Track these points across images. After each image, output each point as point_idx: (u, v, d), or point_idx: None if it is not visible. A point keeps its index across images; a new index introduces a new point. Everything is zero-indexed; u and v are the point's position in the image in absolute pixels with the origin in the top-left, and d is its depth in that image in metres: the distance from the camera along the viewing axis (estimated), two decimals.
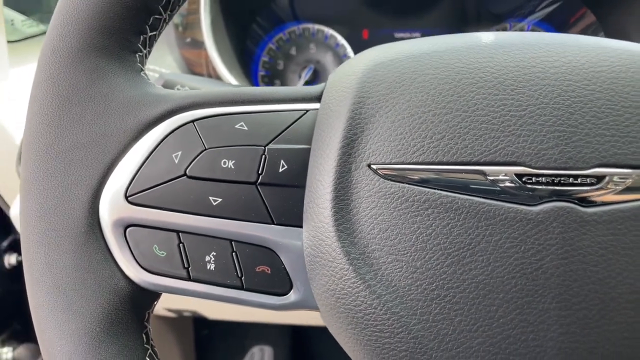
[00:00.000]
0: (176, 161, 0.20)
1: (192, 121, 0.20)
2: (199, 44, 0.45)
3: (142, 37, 0.21)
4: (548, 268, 0.17)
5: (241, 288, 0.20)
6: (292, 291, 0.20)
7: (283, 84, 0.57)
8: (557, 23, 0.53)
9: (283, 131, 0.20)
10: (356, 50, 0.55)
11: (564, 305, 0.17)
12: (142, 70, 0.21)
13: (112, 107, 0.20)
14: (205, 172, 0.20)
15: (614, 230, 0.17)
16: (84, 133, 0.19)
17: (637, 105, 0.18)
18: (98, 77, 0.20)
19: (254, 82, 0.56)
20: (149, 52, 0.22)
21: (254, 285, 0.20)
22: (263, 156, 0.20)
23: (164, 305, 0.66)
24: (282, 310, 0.21)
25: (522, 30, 0.54)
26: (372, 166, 0.18)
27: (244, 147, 0.20)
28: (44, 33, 0.69)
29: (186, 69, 0.46)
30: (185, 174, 0.20)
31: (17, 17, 0.73)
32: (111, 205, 0.19)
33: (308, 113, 0.21)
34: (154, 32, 0.21)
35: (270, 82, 0.57)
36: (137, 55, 0.21)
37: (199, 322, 0.94)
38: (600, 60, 0.18)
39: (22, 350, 0.76)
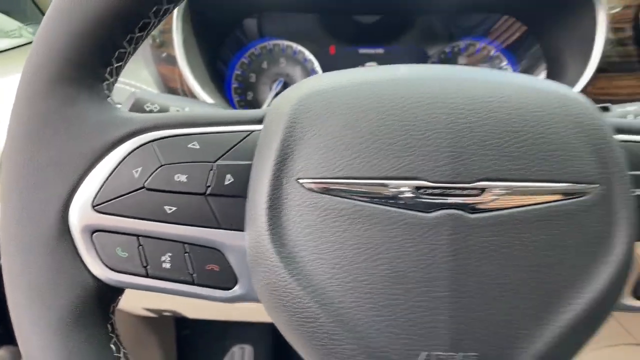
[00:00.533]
0: (136, 176, 0.23)
1: (151, 141, 0.23)
2: (173, 60, 0.48)
3: (109, 68, 0.24)
4: (440, 263, 0.21)
5: (193, 283, 0.23)
6: (237, 286, 0.24)
7: (255, 95, 0.60)
8: (506, 42, 0.57)
9: (230, 149, 0.24)
10: (323, 64, 0.59)
11: (453, 293, 0.21)
12: (108, 96, 0.25)
13: (81, 129, 0.23)
14: (161, 185, 0.23)
15: (493, 233, 0.21)
16: (56, 152, 0.23)
17: (515, 130, 0.22)
18: (69, 104, 0.23)
19: (227, 94, 0.60)
20: (116, 80, 0.25)
21: (204, 281, 0.23)
22: (212, 171, 0.23)
23: (144, 306, 0.69)
24: (229, 302, 0.24)
25: (474, 47, 0.59)
26: (300, 180, 0.22)
27: (195, 163, 0.23)
28: (23, 45, 0.71)
29: (161, 83, 0.49)
30: (144, 187, 0.23)
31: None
32: (80, 214, 0.23)
33: (252, 134, 0.24)
34: (120, 63, 0.25)
35: (243, 94, 0.60)
36: (104, 84, 0.24)
37: (181, 323, 0.97)
38: (489, 92, 0.22)
39: (3, 352, 0.78)
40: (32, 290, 0.22)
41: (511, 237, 0.21)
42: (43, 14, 0.62)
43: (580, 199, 0.21)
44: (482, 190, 0.21)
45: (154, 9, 0.23)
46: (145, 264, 0.23)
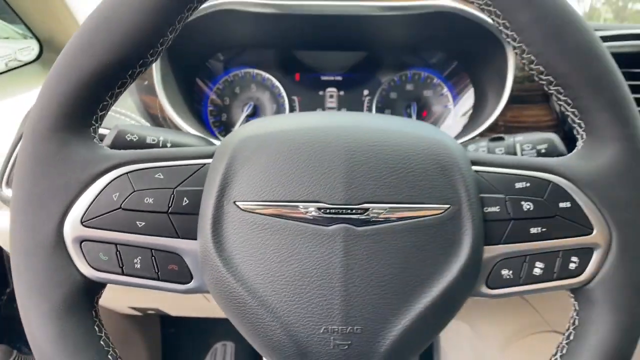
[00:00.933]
0: (115, 199, 0.30)
1: (127, 173, 0.31)
2: (153, 90, 0.56)
3: (94, 116, 0.32)
4: (335, 262, 0.28)
5: (158, 279, 0.31)
6: (192, 281, 0.31)
7: (228, 117, 0.68)
8: (446, 73, 0.66)
9: (186, 178, 0.31)
10: (289, 89, 0.67)
11: (343, 283, 0.28)
12: (94, 137, 0.32)
13: (73, 165, 0.30)
14: (134, 206, 0.30)
15: (373, 241, 0.29)
16: (54, 182, 0.30)
17: (391, 166, 0.29)
18: (63, 147, 0.30)
19: (204, 116, 0.68)
20: (100, 124, 0.33)
21: (166, 277, 0.31)
22: (172, 195, 0.31)
23: (129, 305, 0.76)
24: (186, 293, 0.32)
25: (419, 76, 0.67)
26: (236, 203, 0.29)
27: (160, 189, 0.31)
28: (9, 70, 0.76)
29: (143, 110, 0.56)
30: (121, 207, 0.30)
31: None
32: (72, 228, 0.30)
33: (204, 166, 0.32)
34: (103, 112, 0.32)
35: (218, 116, 0.68)
36: (91, 128, 0.32)
37: (166, 321, 1.04)
38: (376, 137, 0.30)
39: None
40: (34, 285, 0.29)
41: (387, 243, 0.29)
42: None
43: (438, 215, 0.29)
44: (366, 209, 0.29)
45: (130, 72, 0.31)
46: (121, 265, 0.30)
